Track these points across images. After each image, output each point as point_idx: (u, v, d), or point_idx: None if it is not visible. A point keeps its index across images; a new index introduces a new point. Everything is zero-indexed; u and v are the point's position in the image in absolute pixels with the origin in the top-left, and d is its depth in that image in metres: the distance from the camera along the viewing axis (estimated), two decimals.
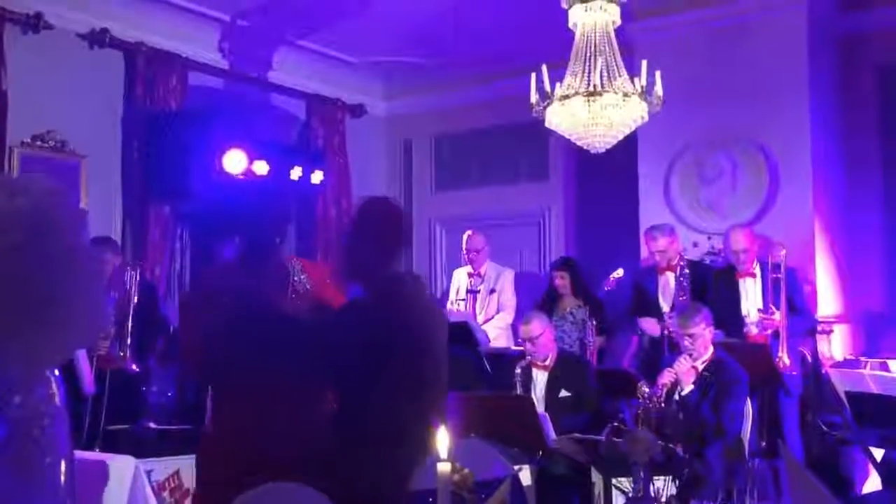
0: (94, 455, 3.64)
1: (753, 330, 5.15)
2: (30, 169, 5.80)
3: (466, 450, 2.50)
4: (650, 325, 5.44)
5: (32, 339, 1.41)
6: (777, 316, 4.99)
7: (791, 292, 5.15)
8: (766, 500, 1.83)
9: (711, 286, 5.42)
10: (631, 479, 2.22)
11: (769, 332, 5.05)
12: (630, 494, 1.94)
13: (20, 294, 1.40)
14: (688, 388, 4.29)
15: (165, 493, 4.28)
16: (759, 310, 5.13)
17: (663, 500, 1.79)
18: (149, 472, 3.89)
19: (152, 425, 4.63)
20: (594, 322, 5.61)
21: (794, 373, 5.02)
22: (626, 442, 1.88)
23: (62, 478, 1.47)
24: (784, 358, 4.89)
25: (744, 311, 5.24)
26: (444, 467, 1.47)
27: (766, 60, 6.01)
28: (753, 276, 5.26)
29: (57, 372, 1.52)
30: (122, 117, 6.33)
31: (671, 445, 2.44)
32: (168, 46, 6.44)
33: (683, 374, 4.31)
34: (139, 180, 6.25)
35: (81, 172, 6.08)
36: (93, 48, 6.17)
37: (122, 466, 3.59)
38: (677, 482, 1.87)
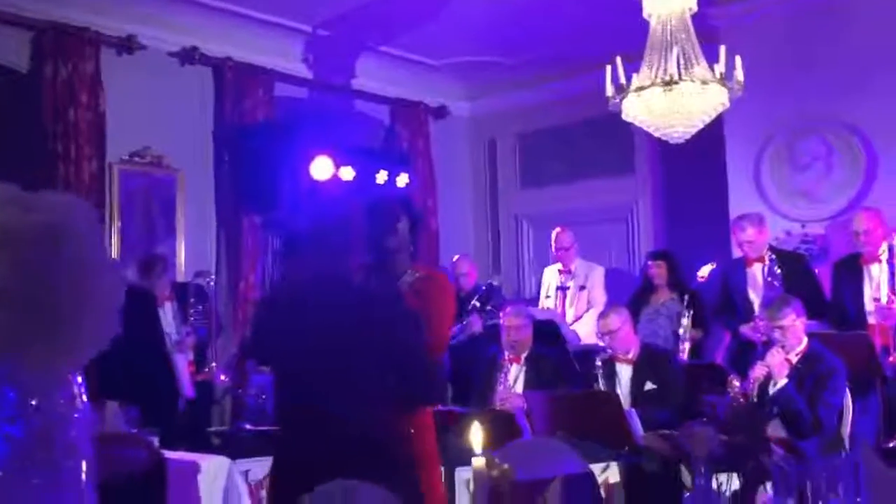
0: (190, 455, 3.79)
1: (871, 320, 4.85)
2: (129, 185, 6.10)
3: (540, 447, 2.51)
4: (750, 332, 5.14)
5: (46, 349, 1.43)
6: None
7: None
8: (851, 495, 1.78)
9: (833, 276, 5.18)
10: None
11: (890, 323, 4.68)
12: (690, 489, 1.90)
13: (34, 306, 1.42)
14: (781, 381, 4.16)
15: (263, 492, 4.42)
16: (875, 299, 4.83)
17: (727, 494, 1.75)
18: (246, 472, 4.02)
19: (248, 426, 4.77)
20: (691, 312, 5.44)
21: None
22: (684, 436, 1.85)
23: (83, 480, 1.48)
24: None
25: (867, 300, 4.94)
26: (479, 462, 1.47)
27: (857, 37, 5.75)
28: (879, 261, 4.92)
29: (80, 379, 1.54)
30: (213, 130, 6.57)
31: (736, 439, 2.38)
32: (254, 60, 6.65)
33: (776, 367, 4.17)
34: (231, 191, 6.47)
35: (178, 185, 6.35)
36: (183, 65, 6.44)
37: (216, 466, 3.73)
38: (741, 477, 1.83)
